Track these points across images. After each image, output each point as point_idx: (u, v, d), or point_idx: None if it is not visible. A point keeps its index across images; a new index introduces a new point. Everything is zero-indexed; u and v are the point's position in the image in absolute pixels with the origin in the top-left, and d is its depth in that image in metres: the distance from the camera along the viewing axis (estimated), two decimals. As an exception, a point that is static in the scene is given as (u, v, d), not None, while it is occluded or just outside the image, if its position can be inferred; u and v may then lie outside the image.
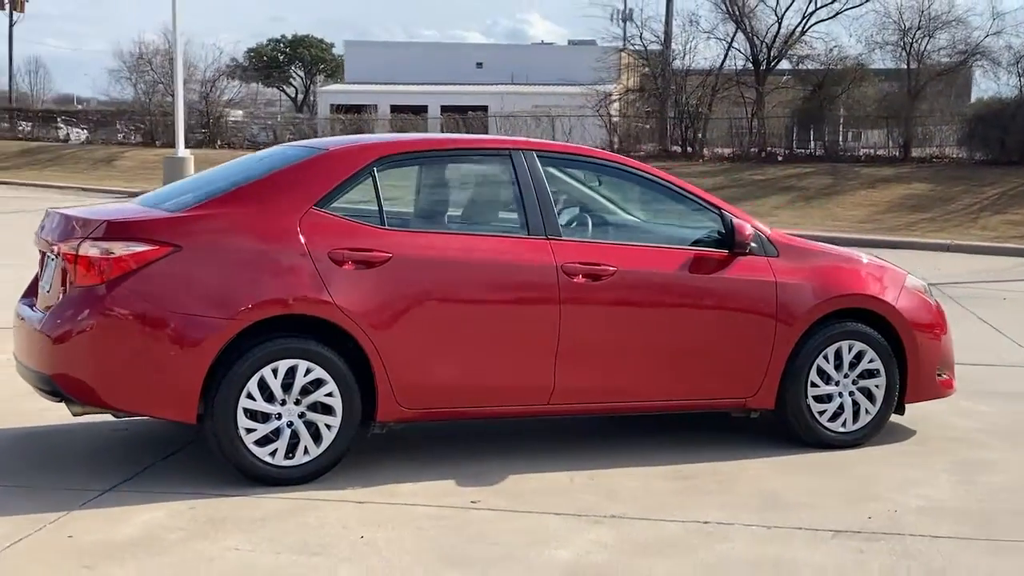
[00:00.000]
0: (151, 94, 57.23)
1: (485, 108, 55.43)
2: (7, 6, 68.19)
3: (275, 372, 6.36)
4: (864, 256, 8.05)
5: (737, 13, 45.37)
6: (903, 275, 7.83)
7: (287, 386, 6.39)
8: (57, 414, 7.10)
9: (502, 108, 52.51)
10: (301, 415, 6.43)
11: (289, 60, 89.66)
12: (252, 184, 6.69)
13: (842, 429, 7.54)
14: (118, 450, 7.07)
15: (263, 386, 6.34)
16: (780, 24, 44.59)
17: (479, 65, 70.05)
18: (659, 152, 42.11)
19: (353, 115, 54.23)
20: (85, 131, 59.80)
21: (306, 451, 6.45)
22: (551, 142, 7.91)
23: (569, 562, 5.48)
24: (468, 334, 6.72)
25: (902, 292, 7.66)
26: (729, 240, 7.19)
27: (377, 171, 6.80)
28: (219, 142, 53.00)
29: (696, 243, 7.34)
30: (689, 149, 41.52)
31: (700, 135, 42.50)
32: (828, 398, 7.49)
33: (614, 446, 7.50)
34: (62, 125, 61.67)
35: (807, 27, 44.88)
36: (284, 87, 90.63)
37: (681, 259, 7.21)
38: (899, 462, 7.28)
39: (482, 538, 5.76)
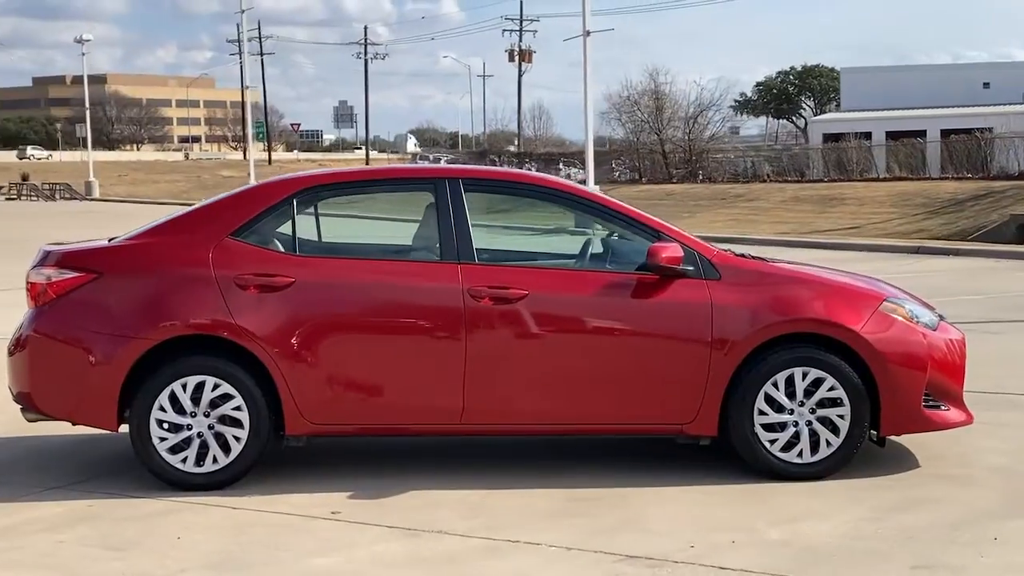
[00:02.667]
0: (638, 133, 59.26)
1: (990, 130, 52.51)
2: (516, 58, 73.05)
3: (184, 387, 7.02)
4: (845, 277, 7.57)
5: None
6: (878, 298, 7.26)
7: (196, 400, 7.02)
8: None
9: (1007, 129, 49.53)
10: (210, 427, 7.04)
11: (799, 91, 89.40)
12: (183, 216, 7.45)
13: (798, 460, 7.14)
14: (111, 458, 7.93)
15: (174, 399, 7.02)
16: None
17: (986, 85, 66.57)
18: None
19: (831, 143, 53.38)
20: (581, 171, 62.87)
21: (215, 460, 7.06)
22: (483, 168, 7.96)
23: (318, 569, 5.77)
24: (373, 355, 7.08)
25: (872, 317, 7.13)
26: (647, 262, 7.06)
27: (297, 202, 7.31)
28: (700, 176, 53.97)
29: (639, 267, 7.22)
30: None
31: None
32: (780, 427, 7.12)
33: (544, 467, 7.53)
34: (562, 166, 65.19)
35: None
36: (794, 118, 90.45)
37: (603, 282, 7.18)
38: (829, 496, 6.85)
39: (279, 545, 6.13)
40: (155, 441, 7.02)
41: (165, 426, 7.02)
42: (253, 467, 7.14)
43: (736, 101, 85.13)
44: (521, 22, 76.93)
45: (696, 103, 56.58)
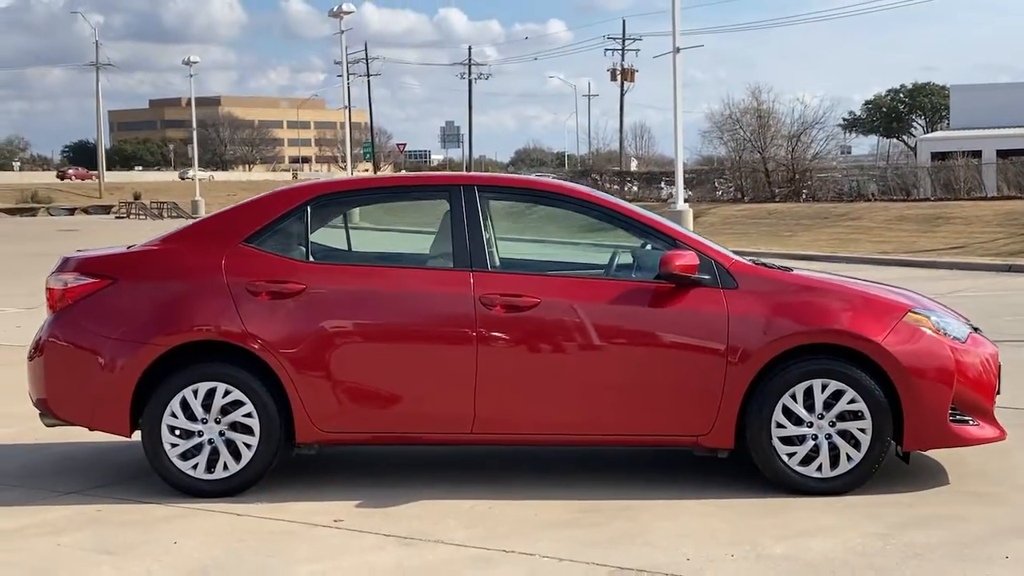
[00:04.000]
0: (740, 151, 58.65)
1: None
2: (618, 77, 72.84)
3: (196, 393, 7.02)
4: (869, 287, 7.33)
5: None
6: (903, 309, 7.01)
7: (208, 406, 7.02)
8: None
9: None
10: (221, 433, 7.03)
11: (909, 110, 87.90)
12: (200, 223, 7.49)
13: (818, 475, 6.92)
14: (133, 465, 7.94)
15: (185, 405, 7.02)
16: None
17: (1103, 102, 64.65)
18: None
19: (938, 162, 52.33)
20: (685, 189, 62.30)
21: (226, 467, 7.04)
22: (499, 175, 7.78)
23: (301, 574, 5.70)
24: (384, 362, 7.02)
25: (896, 328, 6.89)
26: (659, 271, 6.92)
27: (311, 209, 7.28)
28: (803, 195, 53.30)
29: (657, 276, 7.05)
30: None
31: None
32: (799, 440, 6.91)
33: (561, 478, 7.42)
34: (664, 185, 64.76)
35: None
36: (905, 138, 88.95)
37: (617, 291, 7.04)
38: (846, 512, 6.62)
39: (272, 552, 6.09)
40: (166, 447, 7.03)
41: (177, 432, 7.02)
42: (264, 475, 7.10)
43: (844, 120, 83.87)
44: (624, 41, 76.83)
45: (799, 121, 55.74)
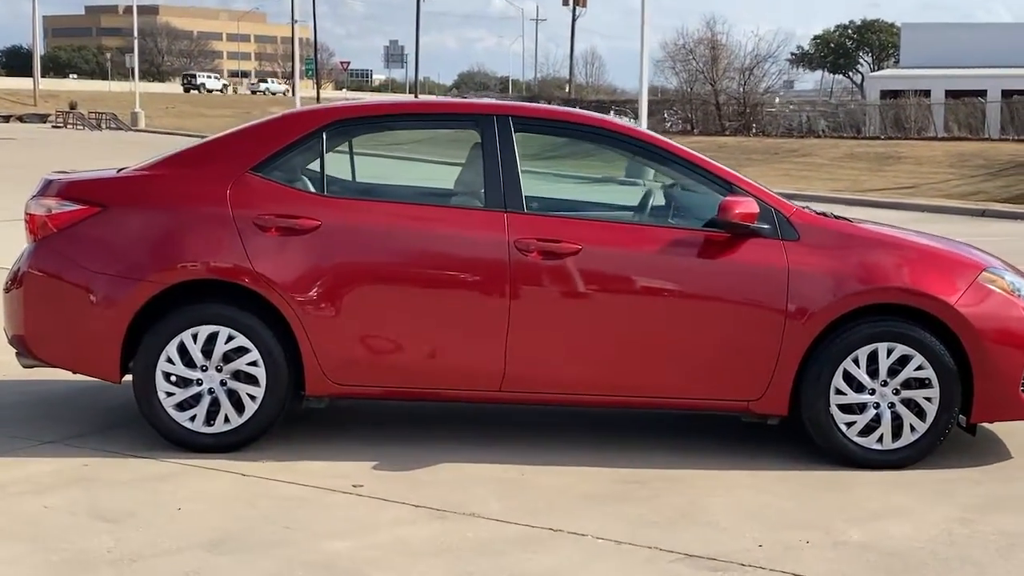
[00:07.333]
0: (692, 83, 58.08)
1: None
2: (570, 2, 71.60)
3: (195, 337, 6.29)
4: (938, 243, 6.74)
5: None
6: (977, 268, 6.44)
7: (208, 352, 6.30)
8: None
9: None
10: (223, 383, 6.32)
11: (857, 46, 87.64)
12: (200, 146, 6.71)
13: (877, 446, 6.35)
14: (115, 410, 7.22)
15: (183, 350, 6.29)
16: None
17: (1052, 46, 64.56)
18: None
19: (889, 100, 52.15)
20: (633, 120, 61.63)
21: (227, 419, 6.34)
22: (533, 105, 7.02)
23: (330, 554, 5.05)
24: (405, 310, 6.33)
25: (970, 288, 6.31)
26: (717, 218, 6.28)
27: (327, 136, 6.54)
28: (753, 130, 52.97)
29: (708, 223, 6.42)
30: None
31: None
32: (860, 408, 6.33)
33: (588, 443, 6.78)
34: (612, 114, 63.92)
35: None
36: (851, 74, 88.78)
37: (665, 239, 6.39)
38: (913, 489, 6.08)
39: (289, 523, 5.41)
40: (161, 396, 6.32)
41: (172, 380, 6.31)
42: (269, 430, 6.42)
43: (792, 54, 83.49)
44: (577, -36, 75.45)
45: (753, 54, 55.26)
